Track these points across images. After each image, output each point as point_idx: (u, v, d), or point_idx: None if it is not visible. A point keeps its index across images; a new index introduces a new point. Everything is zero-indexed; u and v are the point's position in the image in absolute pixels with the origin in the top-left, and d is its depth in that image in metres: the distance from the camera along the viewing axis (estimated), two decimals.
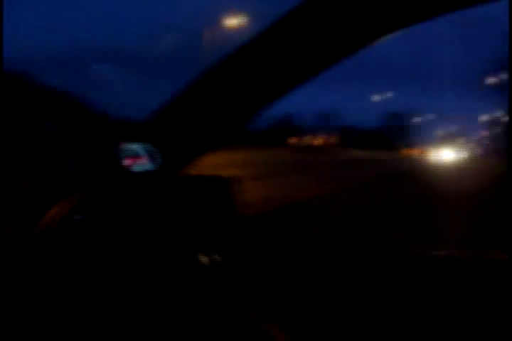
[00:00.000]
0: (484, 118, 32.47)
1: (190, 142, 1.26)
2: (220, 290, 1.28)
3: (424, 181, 11.52)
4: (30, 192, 1.31)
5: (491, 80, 24.71)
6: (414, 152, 36.17)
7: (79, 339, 1.17)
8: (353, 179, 15.08)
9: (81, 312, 1.18)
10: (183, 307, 1.19)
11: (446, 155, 24.92)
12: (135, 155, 1.25)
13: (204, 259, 1.25)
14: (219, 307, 1.22)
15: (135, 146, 1.24)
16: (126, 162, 1.25)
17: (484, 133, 33.22)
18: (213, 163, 1.48)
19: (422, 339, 1.37)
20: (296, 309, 1.49)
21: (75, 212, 1.21)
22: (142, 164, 1.25)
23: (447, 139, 33.61)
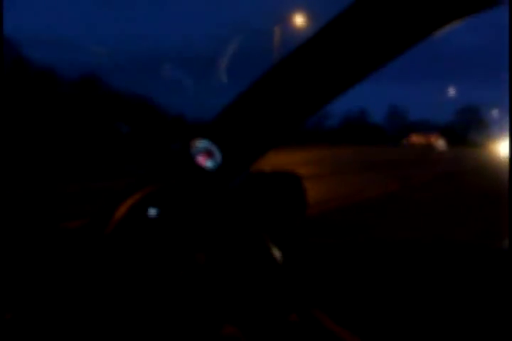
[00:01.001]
0: None
1: (256, 140, 1.27)
2: (293, 290, 1.27)
3: None
4: (108, 190, 1.34)
5: None
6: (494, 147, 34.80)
7: (145, 334, 1.18)
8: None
9: (152, 309, 1.19)
10: (259, 306, 1.19)
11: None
12: (207, 152, 1.26)
13: (278, 255, 1.25)
14: (293, 308, 1.22)
15: (207, 143, 1.25)
16: (199, 159, 1.27)
17: None
18: (282, 162, 1.48)
19: None
20: (364, 311, 1.48)
21: (146, 208, 1.24)
22: (214, 161, 1.26)
23: None
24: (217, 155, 1.25)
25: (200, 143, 1.26)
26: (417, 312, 1.47)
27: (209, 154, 1.26)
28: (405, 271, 1.54)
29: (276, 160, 1.42)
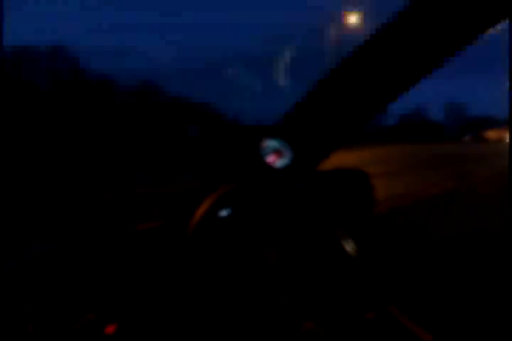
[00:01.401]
0: None
1: (325, 138, 1.27)
2: (368, 286, 1.27)
3: None
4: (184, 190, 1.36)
5: None
6: None
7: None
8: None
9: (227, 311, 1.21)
10: (336, 303, 1.19)
11: None
12: (277, 152, 1.27)
13: (353, 251, 1.25)
14: (370, 304, 1.21)
15: (276, 143, 1.26)
16: (269, 158, 1.28)
17: None
18: (341, 162, 1.48)
19: None
20: (435, 308, 1.46)
21: (220, 209, 1.26)
22: (284, 160, 1.27)
23: None
24: (287, 155, 1.26)
25: (270, 143, 1.27)
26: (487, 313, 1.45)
27: (279, 153, 1.27)
28: (470, 268, 1.51)
29: (336, 161, 1.43)
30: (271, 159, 1.27)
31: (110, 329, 1.19)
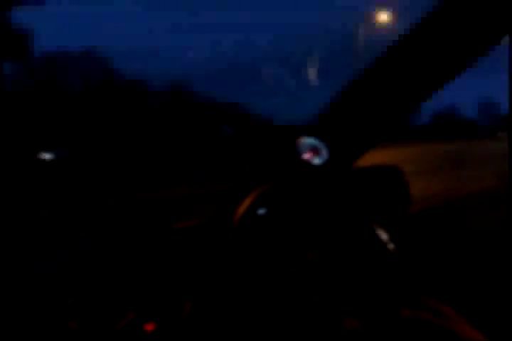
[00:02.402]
0: None
1: (361, 136, 1.28)
2: (407, 281, 1.27)
3: None
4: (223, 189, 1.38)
5: None
6: None
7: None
8: None
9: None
10: (375, 298, 1.19)
11: None
12: (313, 149, 1.28)
13: (391, 247, 1.25)
14: (408, 300, 1.21)
15: (313, 140, 1.27)
16: (306, 156, 1.29)
17: None
18: (380, 160, 1.48)
19: None
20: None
21: (259, 206, 1.27)
22: (321, 157, 1.28)
23: None
24: (324, 152, 1.27)
25: (307, 141, 1.28)
26: None
27: (315, 151, 1.28)
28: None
29: (369, 160, 1.43)
30: (308, 156, 1.28)
31: (149, 327, 1.22)
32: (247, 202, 1.27)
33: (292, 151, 1.30)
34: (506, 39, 1.05)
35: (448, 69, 1.12)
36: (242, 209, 1.26)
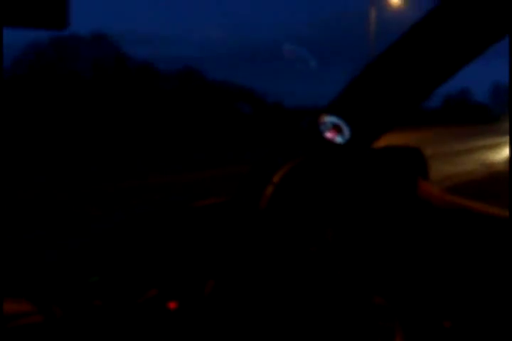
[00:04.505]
0: None
1: (382, 114, 1.28)
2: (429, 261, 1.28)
3: None
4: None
5: None
6: None
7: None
8: None
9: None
10: (400, 278, 1.20)
11: None
12: (335, 128, 1.28)
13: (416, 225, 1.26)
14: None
15: (335, 119, 1.28)
16: (328, 134, 1.29)
17: None
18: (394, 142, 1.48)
19: None
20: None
21: (286, 187, 1.28)
22: (343, 136, 1.28)
23: None
24: (346, 131, 1.28)
25: (329, 119, 1.29)
26: None
27: (337, 129, 1.28)
28: None
29: (384, 143, 1.43)
30: (330, 135, 1.29)
31: (172, 305, 1.24)
32: (274, 181, 1.28)
33: (315, 130, 1.30)
34: None
35: (467, 50, 1.13)
36: (268, 190, 1.27)
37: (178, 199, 1.57)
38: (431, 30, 1.13)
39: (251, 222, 1.27)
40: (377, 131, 1.32)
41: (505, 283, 1.23)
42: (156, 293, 1.24)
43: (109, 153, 17.07)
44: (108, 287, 1.23)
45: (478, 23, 1.07)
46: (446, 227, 1.54)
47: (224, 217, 1.34)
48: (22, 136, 17.40)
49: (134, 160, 15.32)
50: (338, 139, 1.28)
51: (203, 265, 1.28)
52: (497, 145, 19.51)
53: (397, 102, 1.25)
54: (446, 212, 1.43)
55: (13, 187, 8.77)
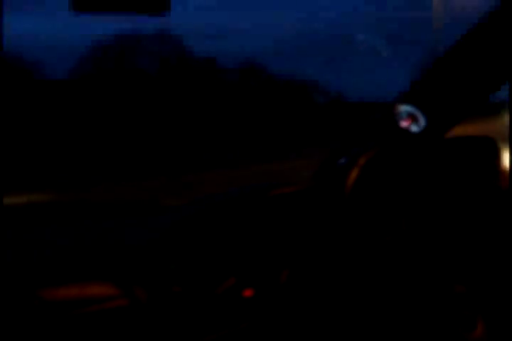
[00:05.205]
0: None
1: (457, 103, 1.28)
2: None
3: None
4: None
5: None
6: None
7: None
8: None
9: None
10: (480, 267, 1.20)
11: None
12: (411, 116, 1.29)
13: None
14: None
15: (410, 108, 1.28)
16: (403, 123, 1.30)
17: None
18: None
19: None
20: None
21: (371, 169, 1.29)
22: (418, 124, 1.29)
23: None
24: (421, 119, 1.28)
25: (404, 108, 1.29)
26: None
27: (413, 118, 1.29)
28: None
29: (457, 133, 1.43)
30: (406, 124, 1.30)
31: (248, 293, 1.27)
32: (355, 171, 1.29)
33: (391, 120, 1.31)
34: None
35: None
36: (352, 178, 1.28)
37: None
38: (505, 22, 1.12)
39: (336, 207, 1.28)
40: (452, 121, 1.32)
41: None
42: (233, 282, 1.27)
43: (198, 143, 17.05)
44: (187, 274, 1.27)
45: None
46: None
47: (302, 205, 1.36)
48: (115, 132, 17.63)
49: (223, 149, 15.25)
50: (414, 128, 1.29)
51: (280, 254, 1.31)
52: None
53: (472, 91, 1.25)
54: None
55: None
